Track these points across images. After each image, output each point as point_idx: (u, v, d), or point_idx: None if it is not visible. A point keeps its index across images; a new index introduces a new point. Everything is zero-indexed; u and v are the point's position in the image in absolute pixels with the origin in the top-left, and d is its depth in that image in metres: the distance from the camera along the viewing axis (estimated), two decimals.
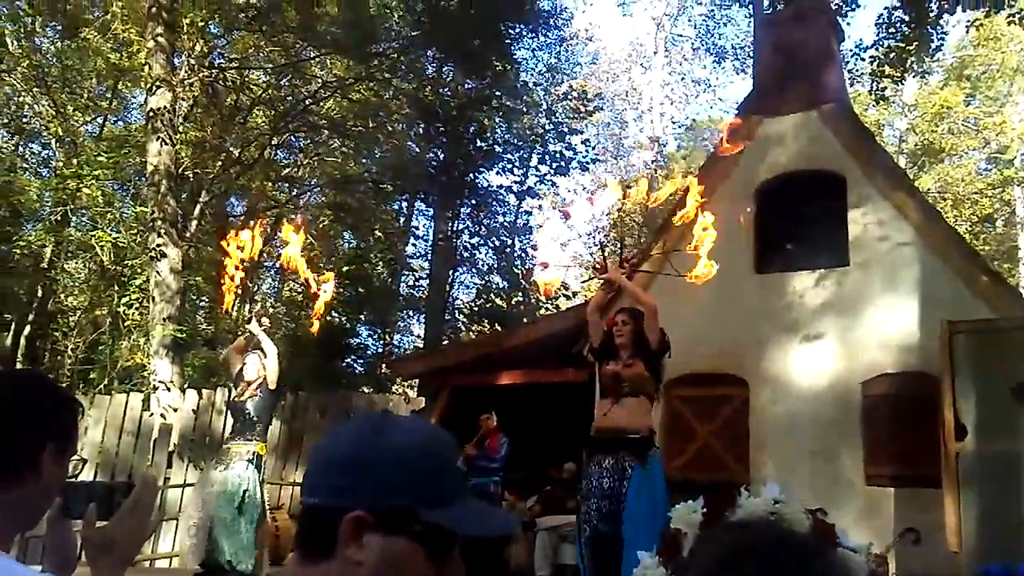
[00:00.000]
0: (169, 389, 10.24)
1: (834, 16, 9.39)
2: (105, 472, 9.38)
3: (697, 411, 7.65)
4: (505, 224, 18.91)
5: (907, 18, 13.35)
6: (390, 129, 16.85)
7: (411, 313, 19.73)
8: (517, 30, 17.68)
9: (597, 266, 5.41)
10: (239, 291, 7.05)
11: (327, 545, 1.01)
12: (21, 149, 16.49)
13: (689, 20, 26.43)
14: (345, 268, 15.11)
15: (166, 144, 11.17)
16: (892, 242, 7.28)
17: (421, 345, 18.00)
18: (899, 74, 14.64)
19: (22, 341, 14.90)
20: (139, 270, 11.83)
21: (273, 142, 15.63)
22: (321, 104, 15.90)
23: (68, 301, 15.86)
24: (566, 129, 19.00)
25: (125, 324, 12.46)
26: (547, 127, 18.77)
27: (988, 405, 6.38)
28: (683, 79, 28.78)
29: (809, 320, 7.46)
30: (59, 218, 13.63)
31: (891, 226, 7.31)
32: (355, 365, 16.76)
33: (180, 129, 12.42)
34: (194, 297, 14.54)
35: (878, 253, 7.33)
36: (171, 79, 11.54)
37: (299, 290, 17.69)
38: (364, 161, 17.07)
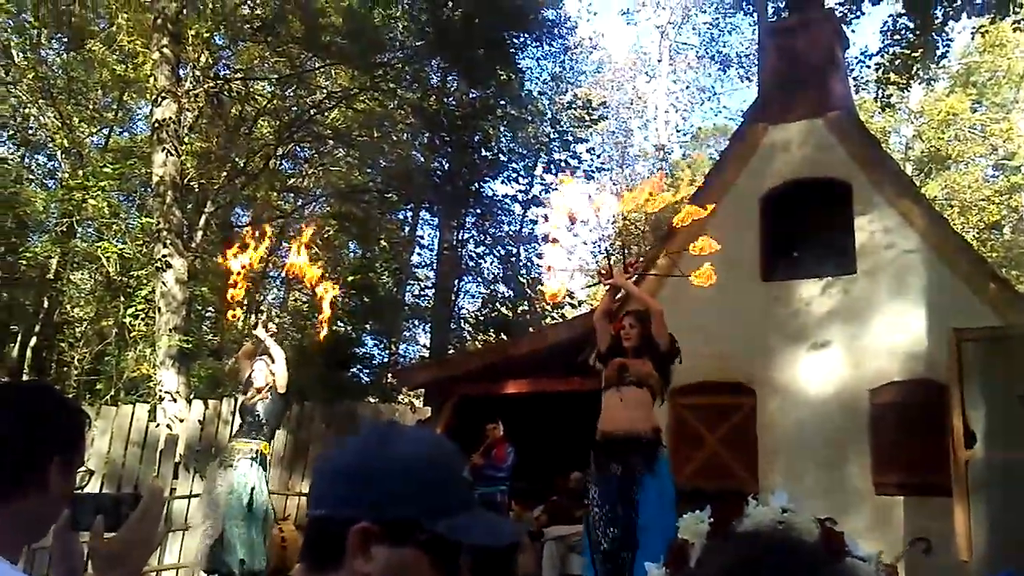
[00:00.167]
0: (175, 400, 10.23)
1: (839, 23, 9.38)
2: (111, 483, 9.36)
3: (704, 419, 7.62)
4: (510, 233, 18.89)
5: (912, 25, 13.35)
6: (395, 139, 16.89)
7: (417, 323, 19.73)
8: (521, 39, 17.70)
9: (603, 272, 5.42)
10: (243, 303, 7.09)
11: (334, 555, 1.01)
12: (27, 161, 16.57)
13: (693, 28, 26.54)
14: (350, 278, 15.12)
15: (171, 155, 11.19)
16: (899, 249, 7.26)
17: (427, 355, 17.98)
18: (904, 81, 14.63)
19: (28, 352, 14.94)
20: (145, 281, 11.84)
21: (278, 152, 15.67)
22: (326, 114, 15.95)
23: (74, 312, 15.88)
24: (571, 138, 18.98)
25: (131, 335, 12.47)
26: (552, 136, 18.76)
27: (997, 413, 6.35)
28: (688, 87, 28.83)
29: (816, 328, 7.43)
30: (65, 229, 13.67)
31: (898, 233, 7.29)
32: (361, 375, 16.74)
33: (185, 140, 12.46)
34: (200, 307, 14.56)
35: (885, 261, 7.31)
36: (176, 90, 11.57)
37: (305, 300, 17.72)
38: (369, 171, 17.10)
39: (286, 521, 8.51)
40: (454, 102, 17.01)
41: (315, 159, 17.36)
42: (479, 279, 18.83)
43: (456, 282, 18.23)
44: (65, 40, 15.09)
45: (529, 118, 18.03)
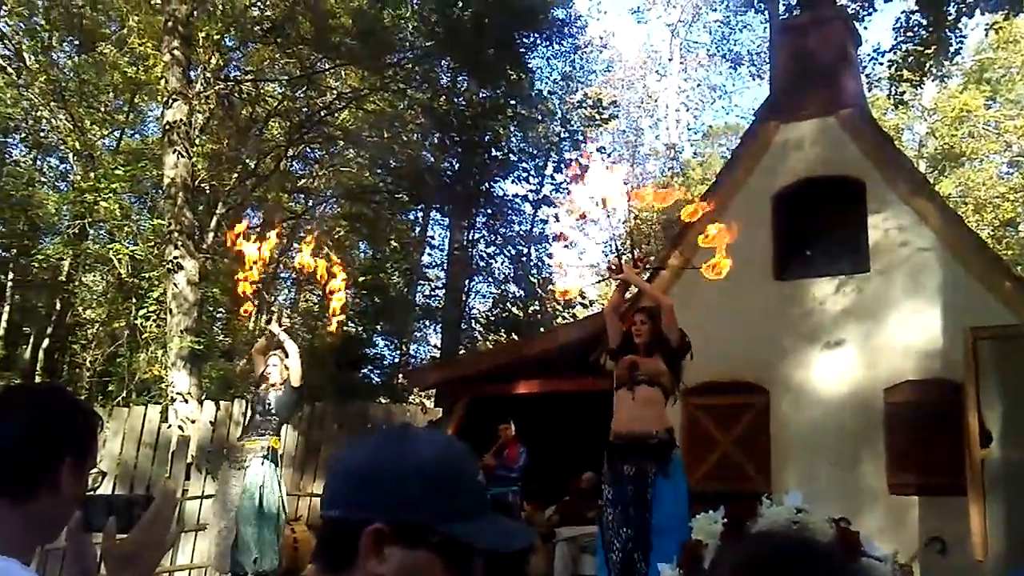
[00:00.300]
0: (187, 401, 10.26)
1: (851, 20, 9.34)
2: (124, 484, 9.40)
3: (717, 420, 7.59)
4: (521, 233, 18.89)
5: (925, 21, 13.26)
6: (405, 139, 16.90)
7: (427, 323, 19.74)
8: (531, 39, 17.68)
9: (612, 267, 5.41)
10: (257, 290, 7.11)
11: (348, 557, 1.01)
12: (39, 163, 16.67)
13: (704, 26, 26.46)
14: (361, 278, 15.15)
15: (183, 157, 11.23)
16: (913, 247, 7.22)
17: (438, 355, 17.98)
18: (918, 78, 14.54)
19: (41, 354, 15.03)
20: (156, 282, 11.88)
21: (289, 153, 15.71)
22: (336, 115, 15.97)
23: (86, 314, 15.96)
24: (581, 137, 18.95)
25: (143, 336, 12.51)
26: (562, 135, 18.73)
27: (1013, 411, 6.31)
28: (699, 85, 28.78)
29: (830, 327, 7.40)
30: (77, 231, 13.74)
31: (912, 231, 7.25)
32: (372, 375, 16.77)
33: (196, 141, 12.49)
34: (211, 309, 14.60)
35: (899, 259, 7.27)
36: (187, 92, 11.61)
37: (315, 301, 17.76)
38: (379, 171, 17.12)
39: (298, 521, 8.51)
40: (464, 102, 17.01)
41: (325, 160, 17.40)
42: (490, 279, 18.84)
43: (467, 282, 18.24)
44: (77, 43, 15.17)
45: (539, 118, 18.01)
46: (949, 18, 12.99)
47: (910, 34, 13.55)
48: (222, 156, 14.19)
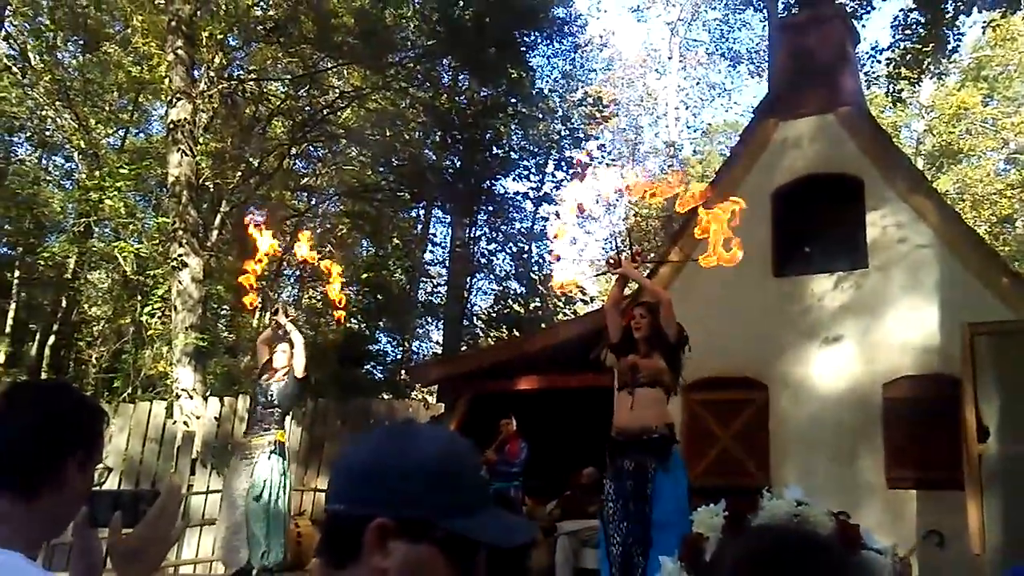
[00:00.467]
0: (192, 397, 10.33)
1: (849, 19, 9.39)
2: (129, 479, 9.47)
3: (716, 415, 7.64)
4: (522, 230, 18.95)
5: (923, 19, 13.31)
6: (407, 137, 16.95)
7: (429, 320, 19.81)
8: (532, 38, 17.72)
9: (611, 261, 5.46)
10: (260, 286, 7.19)
11: (352, 551, 1.02)
12: (44, 162, 16.74)
13: (703, 25, 26.48)
14: (364, 276, 15.22)
15: (186, 155, 11.28)
16: (911, 244, 7.27)
17: (440, 351, 18.04)
18: (916, 76, 14.59)
19: (47, 351, 15.10)
20: (161, 280, 11.94)
21: (292, 152, 15.74)
22: (339, 114, 16.02)
23: (91, 311, 16.02)
24: (582, 135, 19.01)
25: (148, 333, 12.58)
26: (563, 133, 18.78)
27: (1010, 407, 6.36)
28: (698, 84, 28.79)
29: (828, 323, 7.45)
30: (82, 229, 13.80)
31: (910, 228, 7.30)
32: (374, 372, 16.85)
33: (200, 140, 12.54)
34: (215, 306, 14.67)
35: (897, 255, 7.32)
36: (191, 91, 11.66)
37: (318, 298, 17.82)
38: (381, 169, 17.17)
39: (301, 516, 8.59)
40: (465, 100, 17.06)
41: (328, 158, 17.45)
42: (491, 276, 18.91)
43: (468, 279, 18.30)
44: (81, 43, 15.23)
45: (540, 116, 18.05)
46: (947, 16, 13.05)
47: (908, 32, 13.61)
48: (226, 155, 14.23)
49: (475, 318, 18.83)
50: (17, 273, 15.07)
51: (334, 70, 15.79)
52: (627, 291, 5.96)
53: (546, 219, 18.95)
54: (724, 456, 7.52)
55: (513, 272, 18.61)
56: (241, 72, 15.26)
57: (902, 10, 13.69)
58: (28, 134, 15.54)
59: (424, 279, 19.23)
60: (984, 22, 14.88)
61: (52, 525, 1.45)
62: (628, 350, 5.16)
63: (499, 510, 1.12)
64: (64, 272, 14.81)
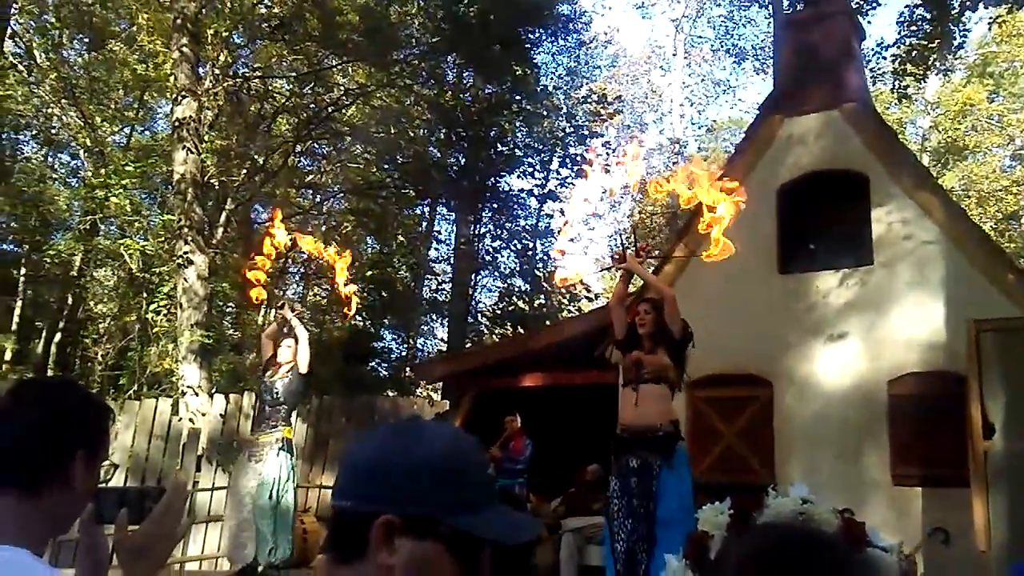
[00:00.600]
0: (197, 394, 10.37)
1: (855, 15, 9.36)
2: (135, 476, 9.52)
3: (721, 412, 7.65)
4: (527, 227, 18.95)
5: (929, 15, 13.27)
6: (411, 135, 16.96)
7: (434, 317, 19.81)
8: (536, 35, 17.73)
9: (616, 256, 5.46)
10: (272, 270, 7.23)
11: (358, 548, 1.02)
12: (50, 160, 16.79)
13: (708, 21, 26.44)
14: (368, 273, 15.23)
15: (192, 153, 11.31)
16: (916, 240, 7.25)
17: (444, 349, 18.07)
18: (921, 72, 14.56)
19: (53, 348, 15.15)
20: (167, 277, 11.97)
21: (296, 149, 15.77)
22: (343, 111, 16.03)
23: (97, 308, 16.07)
24: (586, 132, 19.01)
25: (153, 330, 12.62)
26: (567, 130, 18.78)
27: (1016, 403, 6.35)
28: (703, 80, 28.75)
29: (833, 320, 7.45)
30: (88, 227, 13.84)
31: (915, 224, 7.29)
32: (379, 369, 16.86)
33: (205, 138, 12.57)
34: (221, 303, 14.70)
35: (902, 252, 7.31)
36: (196, 89, 11.68)
37: (324, 295, 17.85)
38: (386, 167, 17.18)
39: (307, 513, 8.62)
40: (470, 98, 17.06)
41: (333, 156, 17.46)
42: (496, 273, 18.91)
43: (473, 276, 18.31)
44: (87, 40, 15.27)
45: (544, 113, 18.06)
46: (952, 12, 13.02)
47: (914, 28, 13.57)
48: (231, 152, 14.25)
49: (480, 315, 18.84)
50: (23, 270, 15.11)
51: (339, 67, 15.82)
52: (632, 288, 5.96)
53: (551, 216, 18.98)
54: (728, 453, 7.52)
55: (518, 269, 18.62)
56: (246, 70, 15.29)
57: (908, 6, 13.65)
58: (34, 132, 15.58)
59: (429, 276, 19.24)
60: (990, 18, 14.83)
61: (58, 522, 1.45)
62: (633, 346, 5.16)
63: (504, 507, 1.12)
64: (70, 269, 14.86)
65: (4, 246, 15.99)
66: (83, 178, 14.83)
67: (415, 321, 18.68)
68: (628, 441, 5.02)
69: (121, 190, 11.96)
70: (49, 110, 13.83)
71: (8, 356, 14.37)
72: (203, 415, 10.17)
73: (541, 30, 17.72)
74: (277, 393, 6.41)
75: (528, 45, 17.20)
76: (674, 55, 28.25)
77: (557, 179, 18.69)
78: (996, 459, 6.28)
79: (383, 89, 15.69)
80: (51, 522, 1.43)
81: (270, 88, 15.26)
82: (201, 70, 12.41)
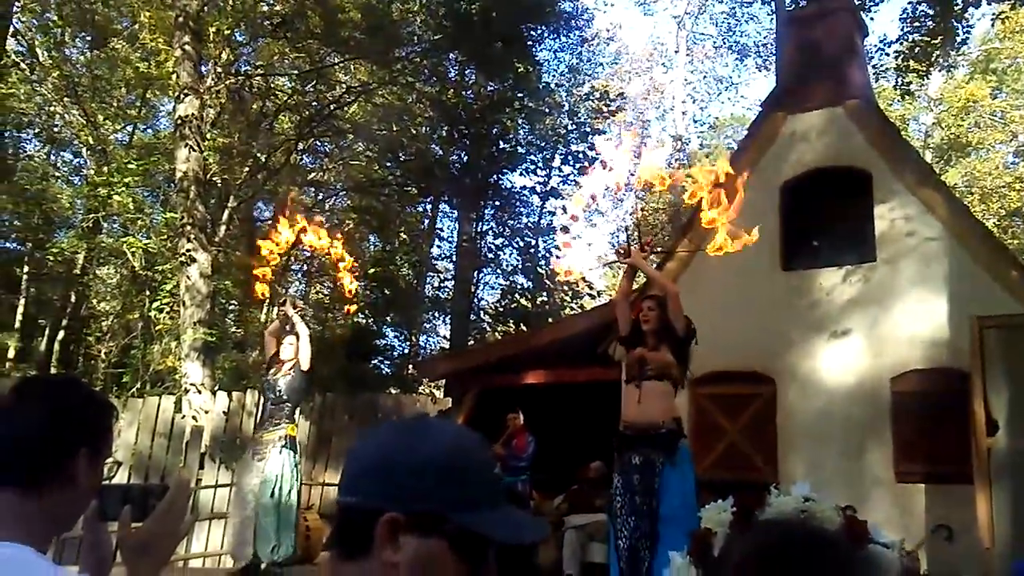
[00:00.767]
0: (200, 392, 10.38)
1: (857, 11, 9.35)
2: (138, 473, 9.54)
3: (724, 409, 7.65)
4: (529, 225, 18.95)
5: (932, 12, 13.26)
6: (413, 132, 16.96)
7: (437, 314, 19.82)
8: (539, 32, 17.72)
9: (620, 251, 5.45)
10: (276, 268, 7.24)
11: (363, 544, 1.01)
12: (53, 158, 16.82)
13: (711, 18, 26.42)
14: (371, 270, 15.24)
15: (194, 151, 11.31)
16: (919, 237, 7.25)
17: (447, 346, 18.07)
18: (924, 68, 14.53)
19: (56, 346, 15.19)
20: (170, 275, 11.99)
21: (299, 147, 15.77)
22: (345, 109, 16.03)
23: (100, 306, 16.11)
24: (588, 129, 19.00)
25: (156, 328, 12.64)
26: (569, 127, 18.78)
27: (1019, 400, 6.35)
28: (705, 77, 28.70)
29: (836, 317, 7.45)
30: (91, 225, 13.86)
31: (918, 221, 7.28)
32: (382, 366, 16.88)
33: (208, 136, 12.57)
34: (224, 301, 14.72)
35: (905, 248, 7.30)
36: (198, 87, 11.69)
37: (326, 292, 17.87)
38: (388, 164, 17.19)
39: (310, 510, 8.62)
40: (472, 95, 17.06)
41: (335, 153, 17.48)
42: (498, 270, 18.92)
43: (475, 274, 18.31)
44: (89, 39, 15.28)
45: (547, 110, 18.05)
46: (956, 8, 13.00)
47: (917, 24, 13.56)
48: (233, 150, 14.26)
49: (482, 312, 18.85)
50: (26, 269, 15.15)
51: (341, 65, 15.82)
52: (635, 284, 5.96)
53: (553, 213, 18.98)
54: (731, 450, 7.53)
55: (520, 266, 18.63)
56: (248, 68, 15.28)
57: (911, 2, 13.64)
58: (36, 130, 15.61)
59: (431, 274, 19.25)
60: (993, 14, 14.80)
61: (62, 519, 1.45)
62: (636, 343, 5.16)
63: (510, 507, 1.11)
64: (73, 268, 14.89)
65: (7, 244, 16.05)
66: (86, 176, 14.86)
67: (418, 318, 18.69)
68: (631, 438, 5.02)
69: (124, 188, 11.97)
70: (51, 108, 13.85)
71: (11, 354, 14.42)
72: (206, 413, 10.18)
73: (543, 27, 17.71)
74: (280, 390, 6.43)
75: (530, 42, 17.20)
76: (676, 52, 28.22)
77: (559, 176, 18.70)
78: (999, 456, 6.28)
79: (385, 87, 15.69)
80: (55, 520, 1.43)
81: (272, 86, 15.26)
82: (203, 68, 12.41)
